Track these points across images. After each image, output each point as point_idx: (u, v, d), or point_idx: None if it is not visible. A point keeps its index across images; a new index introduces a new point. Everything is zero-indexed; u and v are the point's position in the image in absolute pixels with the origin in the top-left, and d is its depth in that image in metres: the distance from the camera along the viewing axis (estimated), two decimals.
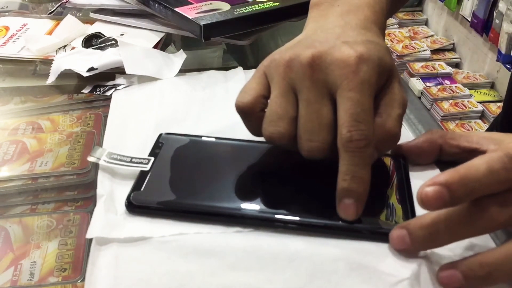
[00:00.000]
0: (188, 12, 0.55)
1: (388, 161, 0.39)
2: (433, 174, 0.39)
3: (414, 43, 2.21)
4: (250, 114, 0.37)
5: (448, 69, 2.06)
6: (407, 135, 0.43)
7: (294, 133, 0.35)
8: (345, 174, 0.33)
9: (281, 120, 0.35)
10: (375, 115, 0.35)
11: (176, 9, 0.56)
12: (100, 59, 0.52)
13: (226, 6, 0.57)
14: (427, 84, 1.99)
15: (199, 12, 0.55)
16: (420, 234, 0.31)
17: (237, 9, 0.56)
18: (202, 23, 0.53)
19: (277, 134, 0.35)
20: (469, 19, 1.96)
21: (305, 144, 0.35)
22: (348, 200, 0.33)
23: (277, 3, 0.58)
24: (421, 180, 0.30)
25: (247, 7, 0.57)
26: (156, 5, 0.58)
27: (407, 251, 0.32)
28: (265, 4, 0.58)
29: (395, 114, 0.35)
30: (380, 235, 0.33)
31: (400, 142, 0.40)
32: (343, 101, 0.33)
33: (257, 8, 0.57)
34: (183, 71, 0.53)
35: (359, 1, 0.41)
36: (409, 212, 0.34)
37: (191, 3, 0.57)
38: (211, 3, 0.58)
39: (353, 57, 0.34)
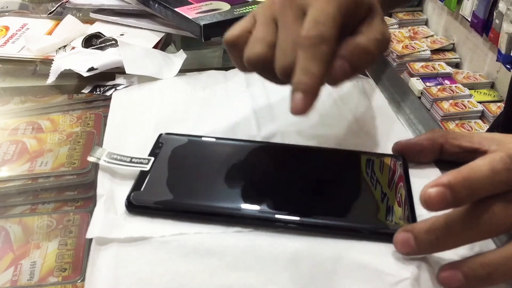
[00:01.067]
0: (188, 12, 0.55)
1: (388, 160, 0.39)
2: (433, 173, 0.39)
3: (414, 43, 2.21)
4: (236, 46, 0.37)
5: (448, 69, 2.06)
6: (407, 136, 0.43)
7: (271, 56, 0.34)
8: (297, 70, 0.32)
9: (258, 43, 0.35)
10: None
11: (176, 9, 0.56)
12: (100, 59, 0.52)
13: (226, 6, 0.57)
14: (427, 84, 1.99)
15: (199, 12, 0.55)
16: (425, 238, 0.30)
17: (237, 9, 0.56)
18: (202, 23, 0.53)
19: (254, 55, 0.35)
20: (469, 19, 1.96)
21: (279, 61, 0.34)
22: (297, 93, 0.32)
23: None
24: (421, 180, 0.30)
25: (247, 7, 0.57)
26: (156, 5, 0.58)
27: (412, 254, 0.31)
28: None
29: (371, 35, 0.34)
30: (380, 235, 0.33)
31: (400, 140, 0.40)
32: (309, 11, 0.33)
33: None
34: (183, 71, 0.53)
35: None
36: (409, 212, 0.34)
37: (191, 3, 0.57)
38: (211, 3, 0.58)
39: None
